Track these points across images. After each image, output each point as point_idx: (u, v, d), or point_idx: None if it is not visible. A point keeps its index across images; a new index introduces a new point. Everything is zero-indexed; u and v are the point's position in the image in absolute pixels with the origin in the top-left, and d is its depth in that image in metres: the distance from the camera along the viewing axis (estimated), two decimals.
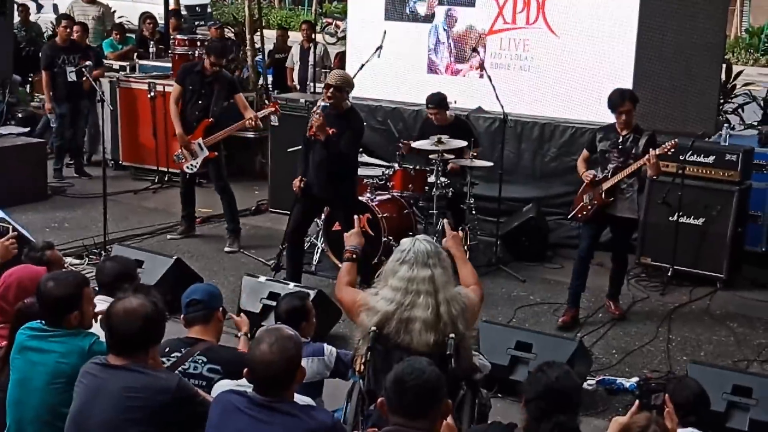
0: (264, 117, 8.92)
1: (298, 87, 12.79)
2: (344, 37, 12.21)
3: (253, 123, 8.58)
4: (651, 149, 6.79)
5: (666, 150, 6.89)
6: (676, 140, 7.06)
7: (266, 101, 9.63)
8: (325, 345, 4.86)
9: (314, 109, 7.36)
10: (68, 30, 10.68)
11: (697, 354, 6.68)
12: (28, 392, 3.97)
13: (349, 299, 4.40)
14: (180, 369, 4.15)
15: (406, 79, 9.69)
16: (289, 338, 3.55)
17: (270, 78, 13.28)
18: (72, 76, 10.30)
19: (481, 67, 9.07)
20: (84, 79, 9.76)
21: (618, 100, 6.97)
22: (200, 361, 4.24)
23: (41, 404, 3.94)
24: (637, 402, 3.61)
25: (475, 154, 8.20)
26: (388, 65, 9.40)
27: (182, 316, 4.45)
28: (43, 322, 4.08)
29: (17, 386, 4.02)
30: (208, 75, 8.60)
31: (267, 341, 3.49)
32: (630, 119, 6.97)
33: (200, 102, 8.62)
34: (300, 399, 3.66)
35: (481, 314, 6.43)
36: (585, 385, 5.98)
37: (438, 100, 8.41)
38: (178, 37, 11.23)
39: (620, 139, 7.02)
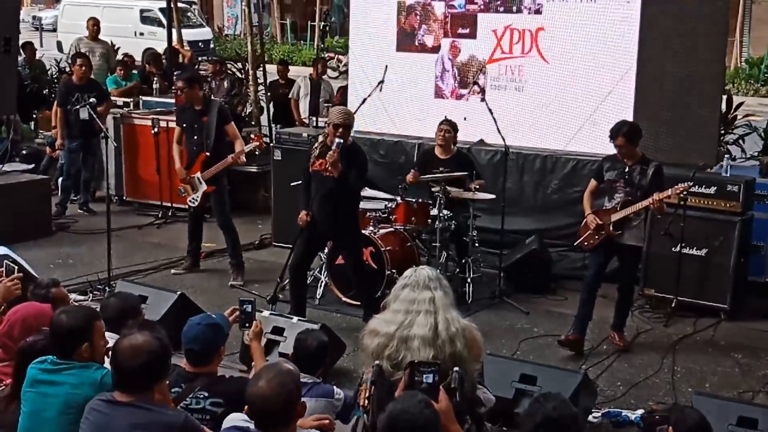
0: (265, 151, 8.97)
1: (307, 121, 12.77)
2: (346, 72, 12.31)
3: (239, 160, 8.63)
4: (655, 193, 6.84)
5: (678, 192, 6.96)
6: (688, 184, 7.08)
7: (251, 135, 9.65)
8: (335, 387, 4.83)
9: (315, 144, 7.39)
10: (83, 68, 10.80)
11: (702, 385, 6.66)
12: (40, 423, 3.98)
13: None
14: (182, 405, 4.15)
15: (415, 104, 9.92)
16: (287, 373, 3.57)
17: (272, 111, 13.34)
18: (84, 115, 10.39)
19: (483, 92, 9.17)
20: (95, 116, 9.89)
21: (614, 133, 7.03)
22: (202, 396, 4.26)
23: None
24: None
25: (477, 186, 8.23)
26: (398, 92, 9.69)
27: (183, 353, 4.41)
28: (54, 357, 4.08)
29: (29, 418, 4.02)
30: (197, 109, 8.65)
31: (265, 377, 3.51)
32: (627, 153, 7.01)
33: (196, 137, 8.67)
34: None
35: (484, 347, 6.47)
36: (590, 417, 5.97)
37: (453, 122, 8.60)
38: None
39: (627, 170, 7.06)
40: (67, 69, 13.33)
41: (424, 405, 3.33)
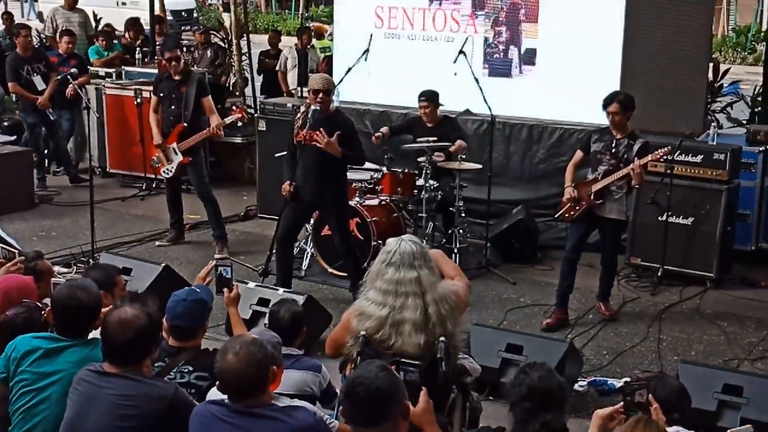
0: (248, 122, 8.89)
1: (294, 92, 12.65)
2: (331, 41, 12.25)
3: (218, 132, 8.54)
4: (637, 158, 6.82)
5: (659, 157, 6.94)
6: (669, 147, 7.06)
7: (233, 107, 9.51)
8: (323, 365, 4.71)
9: (298, 114, 7.31)
10: (28, 39, 10.66)
11: (688, 353, 6.69)
12: (44, 403, 3.94)
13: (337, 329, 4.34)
14: (166, 378, 4.11)
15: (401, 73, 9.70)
16: (253, 343, 3.54)
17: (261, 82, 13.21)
18: (40, 85, 10.27)
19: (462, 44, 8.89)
20: (69, 86, 9.78)
21: (607, 100, 6.98)
22: (186, 371, 4.22)
23: (57, 416, 3.89)
24: (622, 402, 3.60)
25: (463, 154, 8.20)
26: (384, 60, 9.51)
27: (166, 328, 4.30)
28: (55, 333, 4.05)
29: (30, 396, 3.97)
30: (176, 79, 8.56)
31: (232, 351, 3.48)
32: (618, 122, 6.97)
33: (173, 107, 8.58)
34: (281, 400, 3.61)
35: (471, 317, 6.46)
36: (576, 386, 5.99)
37: (430, 94, 8.44)
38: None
39: (614, 143, 7.03)
40: (44, 41, 13.20)
41: (379, 369, 3.31)
